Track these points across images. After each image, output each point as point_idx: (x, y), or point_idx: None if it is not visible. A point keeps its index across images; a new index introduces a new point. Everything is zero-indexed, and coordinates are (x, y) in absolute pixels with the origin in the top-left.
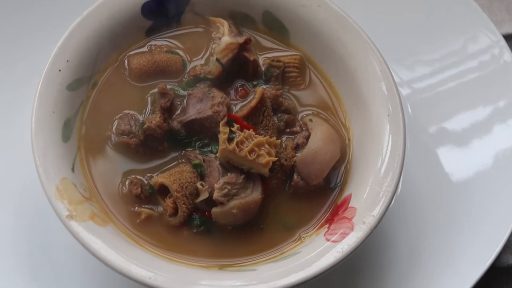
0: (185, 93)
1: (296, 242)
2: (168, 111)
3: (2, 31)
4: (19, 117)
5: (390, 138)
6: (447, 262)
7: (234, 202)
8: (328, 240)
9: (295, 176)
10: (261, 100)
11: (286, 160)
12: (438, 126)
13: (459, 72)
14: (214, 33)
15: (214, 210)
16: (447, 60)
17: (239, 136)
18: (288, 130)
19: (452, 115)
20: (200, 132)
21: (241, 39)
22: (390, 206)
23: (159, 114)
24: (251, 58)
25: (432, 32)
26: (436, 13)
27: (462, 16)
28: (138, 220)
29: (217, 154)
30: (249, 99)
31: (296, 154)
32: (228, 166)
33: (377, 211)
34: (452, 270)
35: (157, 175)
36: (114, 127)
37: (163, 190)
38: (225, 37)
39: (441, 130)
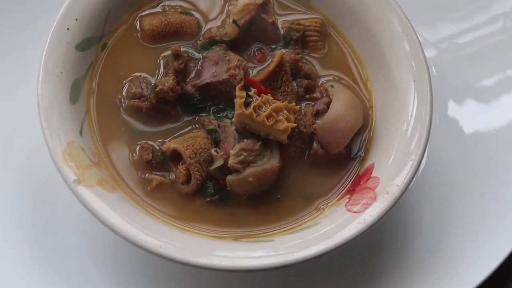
0: (199, 56)
1: (315, 213)
2: (181, 74)
3: None
4: (25, 79)
5: (416, 105)
6: (474, 239)
7: (250, 170)
8: (349, 211)
9: (314, 144)
10: (280, 64)
11: (305, 127)
12: (465, 89)
13: (487, 33)
14: None
15: (229, 178)
16: (474, 21)
17: (256, 100)
18: (307, 96)
19: (479, 77)
20: (215, 97)
21: (259, 0)
22: (416, 176)
23: (172, 76)
24: (270, 20)
25: None
26: None
27: None
28: (148, 188)
29: (233, 119)
30: (267, 63)
31: (316, 121)
32: (245, 132)
33: (401, 180)
34: (479, 247)
35: (169, 141)
36: (124, 90)
37: (176, 157)
38: None
39: (467, 94)
